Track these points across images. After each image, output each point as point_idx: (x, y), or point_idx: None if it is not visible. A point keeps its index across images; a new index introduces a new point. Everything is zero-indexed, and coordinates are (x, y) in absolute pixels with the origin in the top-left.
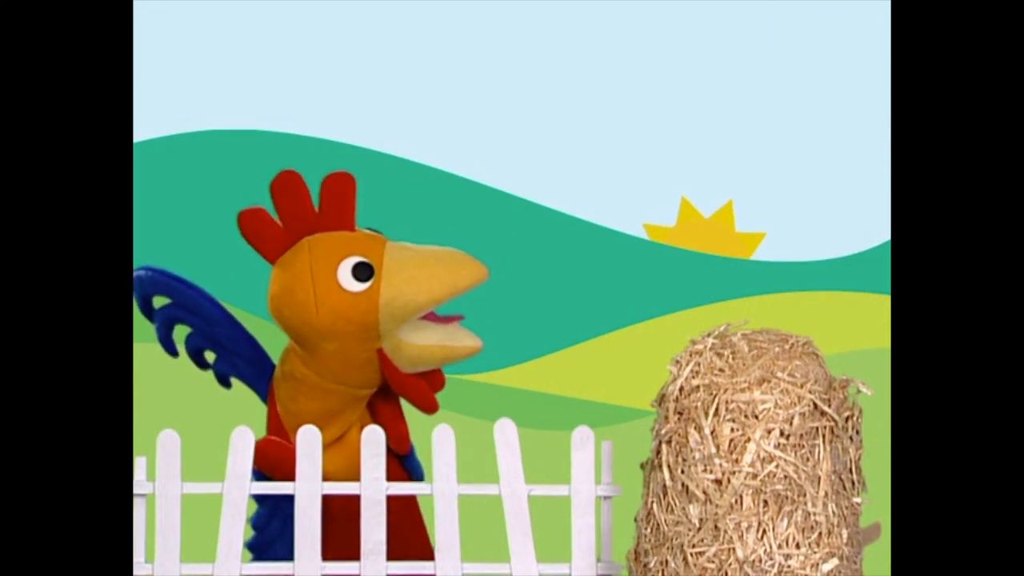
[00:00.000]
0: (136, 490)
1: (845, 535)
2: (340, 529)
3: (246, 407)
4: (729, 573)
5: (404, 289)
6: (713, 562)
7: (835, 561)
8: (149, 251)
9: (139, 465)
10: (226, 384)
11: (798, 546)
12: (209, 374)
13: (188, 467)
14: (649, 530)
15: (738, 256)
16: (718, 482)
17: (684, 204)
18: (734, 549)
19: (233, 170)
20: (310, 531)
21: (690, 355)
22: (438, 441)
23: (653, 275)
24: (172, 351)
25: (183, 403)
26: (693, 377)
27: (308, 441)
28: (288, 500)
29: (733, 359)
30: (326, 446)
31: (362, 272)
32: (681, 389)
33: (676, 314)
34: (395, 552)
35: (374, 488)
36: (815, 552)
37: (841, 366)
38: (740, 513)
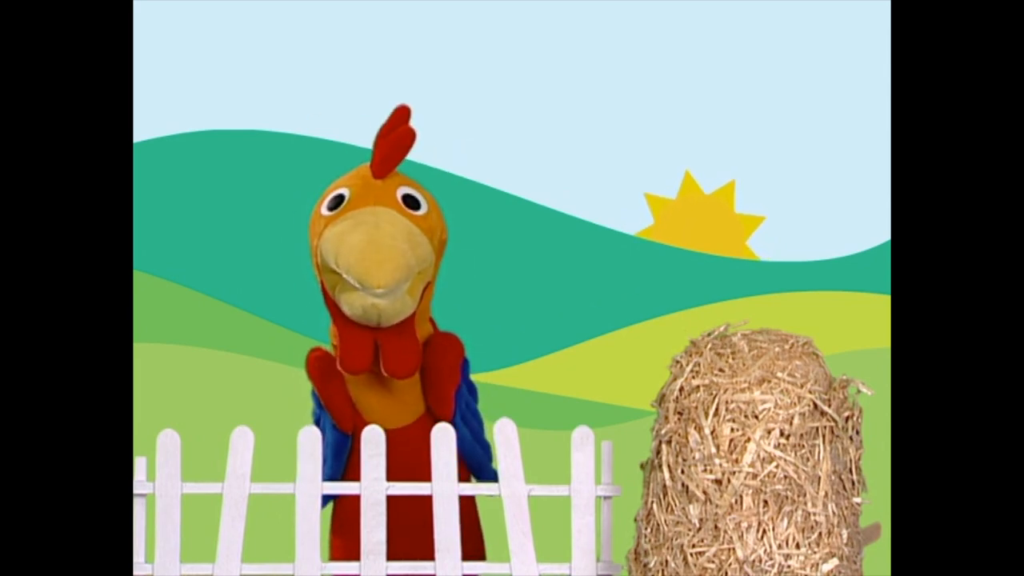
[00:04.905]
0: (136, 490)
1: (845, 535)
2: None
3: (246, 407)
4: (729, 573)
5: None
6: (713, 562)
7: (835, 561)
8: (149, 251)
9: (139, 465)
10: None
11: (798, 546)
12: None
13: (188, 467)
14: (649, 530)
15: (735, 238)
16: (718, 482)
17: (687, 178)
18: (734, 549)
19: (233, 170)
20: (310, 531)
21: (690, 355)
22: (438, 441)
23: (654, 275)
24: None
25: (183, 403)
26: (693, 377)
27: (308, 442)
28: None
29: (733, 359)
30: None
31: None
32: (681, 389)
33: (676, 314)
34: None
35: (374, 488)
36: (815, 552)
37: (841, 366)
38: (740, 513)
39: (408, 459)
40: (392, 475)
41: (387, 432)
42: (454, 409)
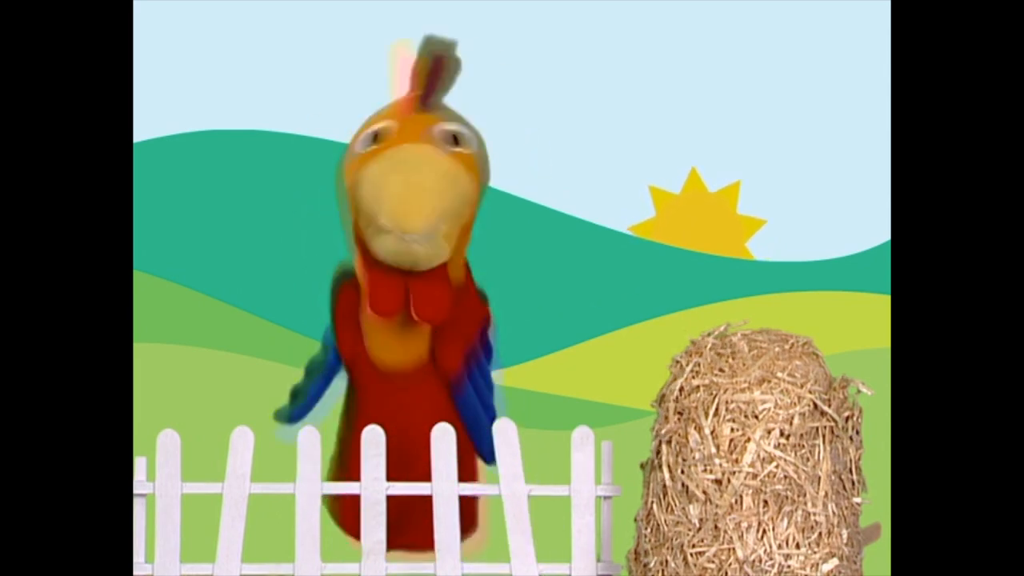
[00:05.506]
0: (136, 490)
1: (845, 535)
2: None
3: (246, 407)
4: (729, 573)
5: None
6: (713, 562)
7: (835, 561)
8: (149, 251)
9: (139, 465)
10: None
11: (798, 546)
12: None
13: (188, 467)
14: (649, 530)
15: (734, 239)
16: (718, 482)
17: (692, 174)
18: (734, 549)
19: (233, 170)
20: (310, 531)
21: (690, 355)
22: (438, 441)
23: (653, 275)
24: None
25: (183, 403)
26: (693, 377)
27: (308, 442)
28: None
29: (733, 359)
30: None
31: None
32: (681, 389)
33: (676, 314)
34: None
35: (374, 488)
36: (815, 552)
37: (841, 366)
38: (740, 513)
39: (404, 403)
40: (386, 418)
41: (387, 373)
42: (461, 368)
